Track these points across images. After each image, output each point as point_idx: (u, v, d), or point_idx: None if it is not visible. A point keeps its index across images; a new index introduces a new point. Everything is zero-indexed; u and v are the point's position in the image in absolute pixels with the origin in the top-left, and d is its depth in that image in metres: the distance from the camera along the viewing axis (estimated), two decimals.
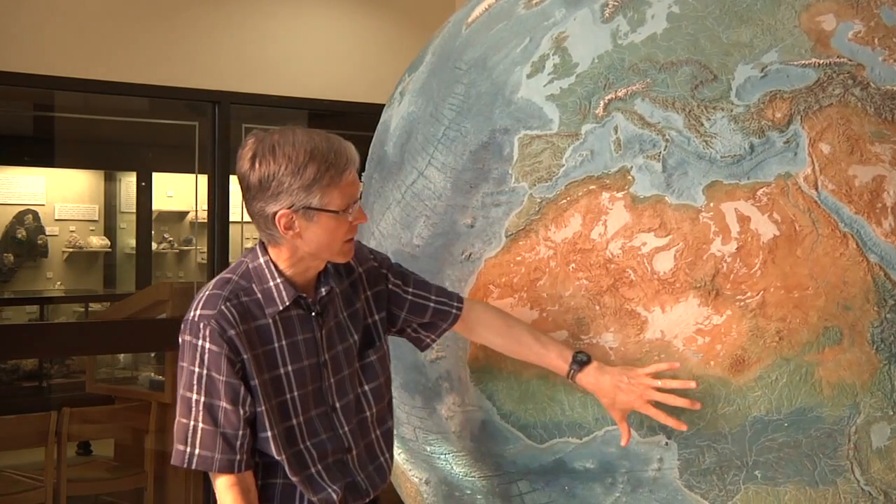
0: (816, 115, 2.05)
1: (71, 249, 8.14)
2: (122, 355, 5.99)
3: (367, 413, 2.10)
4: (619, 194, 2.07)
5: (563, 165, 2.14)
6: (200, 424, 1.91)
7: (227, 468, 1.92)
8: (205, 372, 1.91)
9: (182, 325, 1.95)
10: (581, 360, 2.05)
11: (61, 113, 6.07)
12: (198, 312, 1.93)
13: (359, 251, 2.13)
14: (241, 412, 1.91)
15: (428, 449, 2.46)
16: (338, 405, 2.03)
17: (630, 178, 2.07)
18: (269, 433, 1.95)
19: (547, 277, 2.12)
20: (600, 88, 2.17)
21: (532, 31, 2.38)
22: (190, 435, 1.92)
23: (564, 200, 2.13)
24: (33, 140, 7.10)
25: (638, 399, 1.99)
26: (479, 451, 2.30)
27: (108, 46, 4.68)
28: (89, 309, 8.01)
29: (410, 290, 2.17)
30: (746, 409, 1.99)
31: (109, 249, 8.29)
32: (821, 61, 2.10)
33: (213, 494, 2.02)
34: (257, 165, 1.89)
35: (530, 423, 2.17)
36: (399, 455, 2.63)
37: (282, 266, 1.98)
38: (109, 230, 8.37)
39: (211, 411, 1.91)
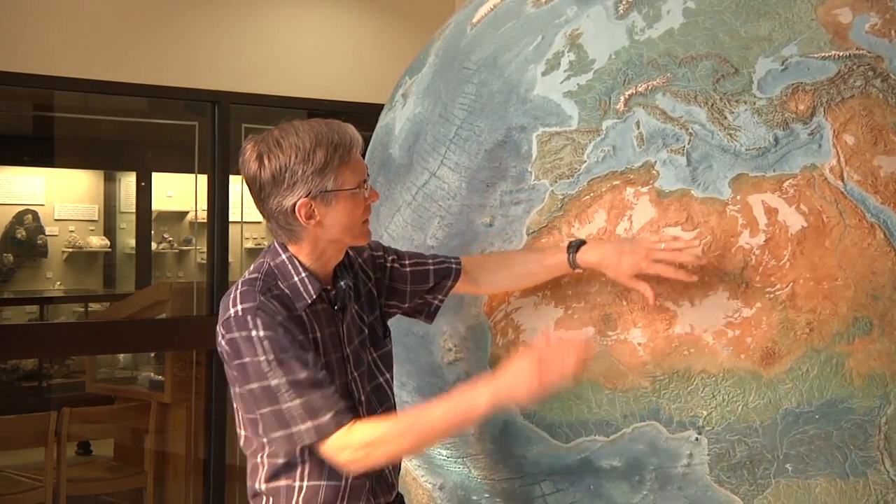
0: (839, 106, 2.05)
1: (70, 249, 8.09)
2: (122, 355, 5.99)
3: (391, 402, 2.12)
4: (644, 189, 2.06)
5: (585, 161, 2.13)
6: (298, 400, 1.87)
7: (353, 411, 1.91)
8: (271, 357, 1.88)
9: (222, 327, 1.92)
10: (576, 244, 2.05)
11: (61, 113, 6.03)
12: (238, 308, 1.90)
13: None
14: (318, 372, 1.90)
15: (444, 453, 2.43)
16: (362, 399, 2.04)
17: (654, 172, 2.06)
18: None
19: (571, 274, 2.10)
20: (620, 84, 2.16)
21: (543, 28, 2.37)
22: (298, 413, 1.88)
23: (588, 196, 2.11)
24: (33, 140, 7.06)
25: (643, 259, 1.96)
26: (500, 452, 2.28)
27: (108, 46, 4.66)
28: (89, 309, 7.96)
29: (407, 262, 2.18)
30: (777, 402, 1.98)
31: (109, 249, 8.24)
32: (840, 53, 2.10)
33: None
34: (266, 162, 1.90)
35: (556, 422, 2.15)
36: (410, 461, 2.59)
37: (304, 261, 1.98)
38: (109, 230, 8.33)
39: (298, 385, 1.87)
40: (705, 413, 2.02)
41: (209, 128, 4.92)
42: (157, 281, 7.93)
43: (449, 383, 2.34)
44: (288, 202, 1.91)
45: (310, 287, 1.96)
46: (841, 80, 2.07)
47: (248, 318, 1.88)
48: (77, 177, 8.25)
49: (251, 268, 2.02)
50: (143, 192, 7.81)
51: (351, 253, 2.11)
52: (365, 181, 1.96)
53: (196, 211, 5.38)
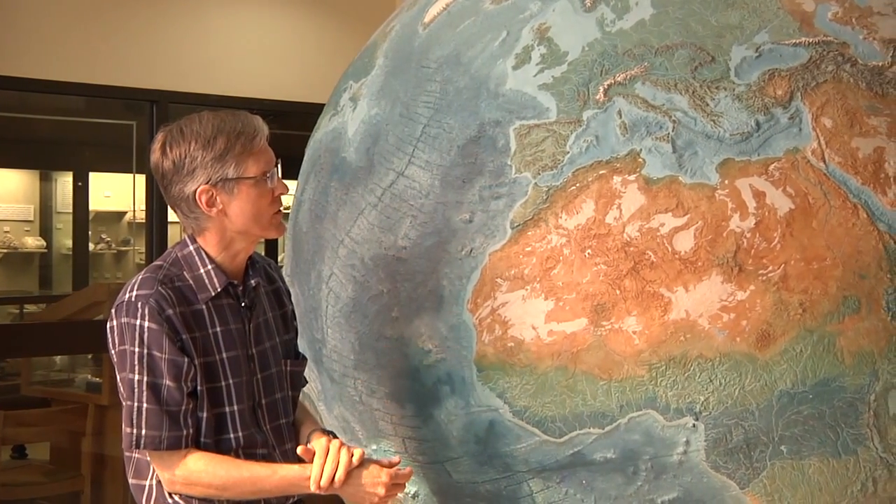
0: (815, 90, 2.09)
1: (5, 250, 7.96)
2: (59, 357, 5.87)
3: (284, 420, 2.12)
4: (632, 177, 2.06)
5: (569, 152, 2.12)
6: (145, 405, 1.90)
7: (176, 445, 1.91)
8: (145, 351, 1.90)
9: (114, 311, 1.93)
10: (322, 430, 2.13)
11: None
12: (133, 294, 1.92)
13: (280, 271, 2.25)
14: (185, 388, 1.91)
15: (420, 458, 2.38)
16: (263, 402, 2.05)
17: (641, 160, 2.07)
18: (204, 414, 1.96)
19: (562, 266, 2.09)
20: (597, 74, 2.16)
21: (508, 24, 2.36)
22: (135, 416, 1.90)
23: (574, 187, 2.10)
24: None
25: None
26: (485, 453, 2.23)
27: (45, 44, 4.54)
28: (24, 310, 7.82)
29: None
30: (773, 384, 2.00)
31: (45, 250, 8.14)
32: (809, 40, 2.15)
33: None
34: (168, 150, 1.95)
35: (547, 417, 2.12)
36: None
37: (211, 253, 2.00)
38: (45, 230, 8.21)
39: (154, 390, 1.90)
40: (702, 398, 2.02)
41: (147, 127, 4.86)
42: (94, 282, 7.80)
43: (427, 386, 2.29)
44: (189, 189, 1.94)
45: (215, 280, 1.99)
46: (814, 66, 2.12)
47: (139, 304, 1.90)
48: (12, 176, 8.08)
49: (161, 256, 2.05)
50: (80, 192, 7.68)
51: (276, 275, 2.18)
52: (271, 172, 1.98)
53: (134, 211, 5.27)
